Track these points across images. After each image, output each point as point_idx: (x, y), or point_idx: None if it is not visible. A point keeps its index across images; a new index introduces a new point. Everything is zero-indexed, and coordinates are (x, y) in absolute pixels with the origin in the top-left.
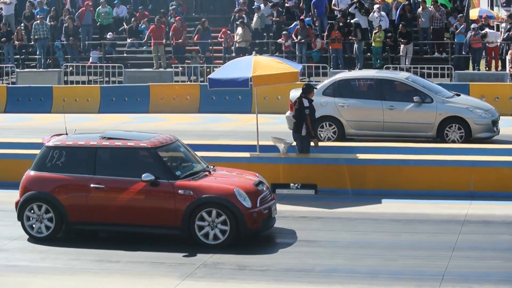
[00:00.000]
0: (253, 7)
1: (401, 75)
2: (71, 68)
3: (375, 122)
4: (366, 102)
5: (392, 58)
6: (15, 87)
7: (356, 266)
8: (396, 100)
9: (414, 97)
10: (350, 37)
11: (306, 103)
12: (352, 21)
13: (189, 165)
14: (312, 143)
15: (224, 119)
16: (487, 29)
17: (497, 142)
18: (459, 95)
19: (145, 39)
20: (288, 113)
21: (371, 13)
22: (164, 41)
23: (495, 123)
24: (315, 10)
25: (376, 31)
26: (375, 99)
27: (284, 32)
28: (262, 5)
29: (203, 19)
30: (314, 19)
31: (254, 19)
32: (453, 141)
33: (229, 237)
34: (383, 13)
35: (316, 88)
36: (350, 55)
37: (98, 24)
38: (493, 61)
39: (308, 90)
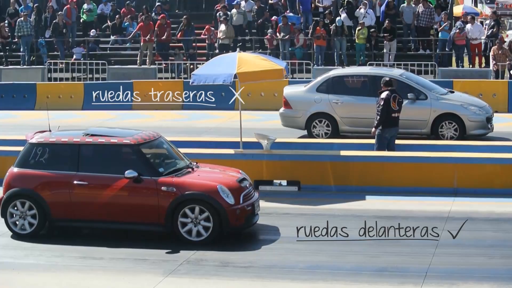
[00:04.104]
0: (233, 3)
1: (395, 72)
2: (54, 65)
3: (369, 118)
4: (360, 99)
5: (375, 55)
6: None
7: (339, 262)
8: None
9: (408, 94)
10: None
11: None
12: (336, 19)
13: (172, 161)
14: None
15: (208, 116)
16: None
17: (491, 139)
18: (453, 92)
19: (131, 36)
20: (282, 110)
21: (357, 9)
22: (154, 38)
23: (489, 120)
24: (301, 6)
25: (360, 28)
26: (369, 95)
27: (269, 30)
28: (243, 2)
29: (184, 16)
30: (300, 15)
31: (235, 16)
32: (447, 138)
33: (212, 234)
34: (370, 10)
35: None
36: (332, 52)
37: (81, 21)
38: (477, 58)
39: (391, 83)
